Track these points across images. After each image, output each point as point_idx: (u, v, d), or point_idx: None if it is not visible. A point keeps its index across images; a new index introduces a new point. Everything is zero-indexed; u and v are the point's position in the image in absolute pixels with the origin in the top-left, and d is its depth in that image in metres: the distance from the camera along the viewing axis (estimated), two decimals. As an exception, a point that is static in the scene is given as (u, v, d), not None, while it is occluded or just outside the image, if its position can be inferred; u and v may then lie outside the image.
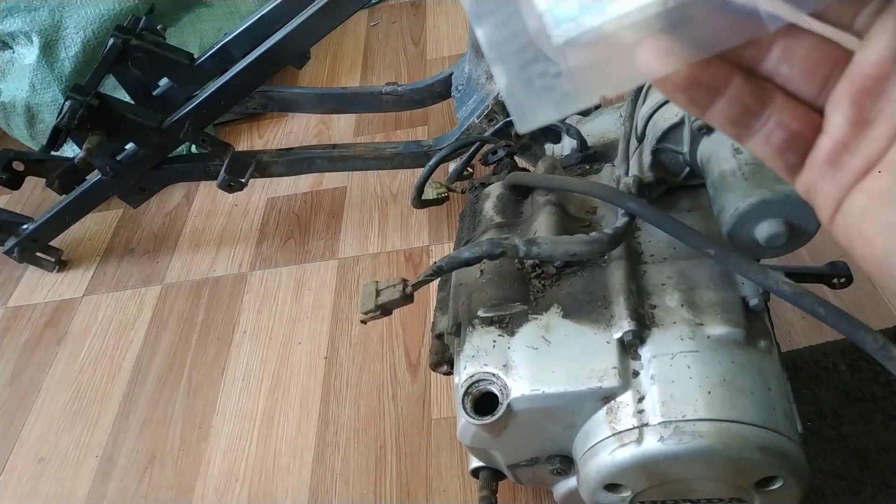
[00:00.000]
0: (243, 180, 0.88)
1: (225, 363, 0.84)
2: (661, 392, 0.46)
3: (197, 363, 0.85)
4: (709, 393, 0.46)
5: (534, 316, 0.55)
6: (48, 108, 1.13)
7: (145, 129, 0.86)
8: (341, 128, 1.16)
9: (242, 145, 1.19)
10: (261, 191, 1.07)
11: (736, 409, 0.45)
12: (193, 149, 1.04)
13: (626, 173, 0.56)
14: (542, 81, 0.23)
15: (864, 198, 0.22)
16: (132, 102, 0.94)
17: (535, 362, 0.51)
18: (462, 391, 0.52)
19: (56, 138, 0.86)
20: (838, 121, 0.22)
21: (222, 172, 0.86)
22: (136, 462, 0.77)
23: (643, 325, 0.49)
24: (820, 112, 0.23)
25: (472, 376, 0.52)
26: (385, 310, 0.57)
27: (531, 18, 0.23)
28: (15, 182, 0.98)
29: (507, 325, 0.55)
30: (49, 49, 1.08)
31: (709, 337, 0.48)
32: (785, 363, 0.51)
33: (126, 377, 0.86)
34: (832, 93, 0.23)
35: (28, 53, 1.09)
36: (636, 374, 0.48)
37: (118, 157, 0.89)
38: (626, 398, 0.48)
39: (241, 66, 0.83)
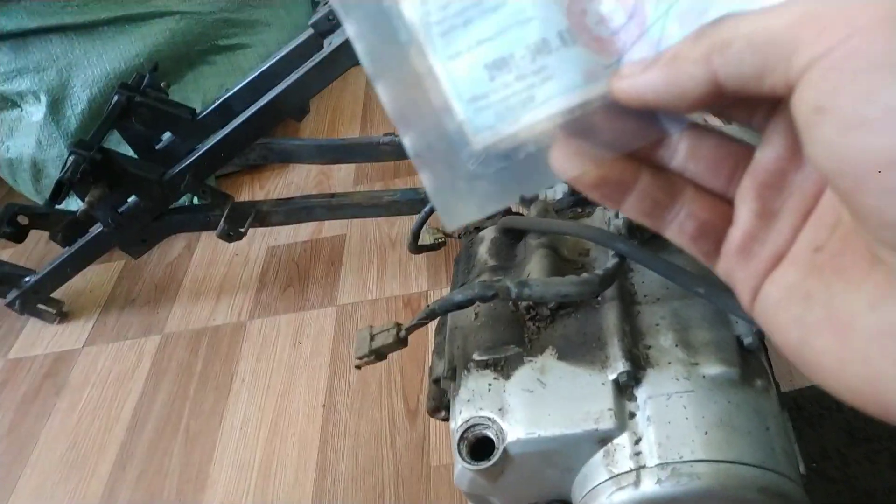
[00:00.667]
0: (242, 230, 0.89)
1: (223, 412, 0.84)
2: (657, 433, 0.46)
3: (195, 413, 0.85)
4: (706, 433, 0.45)
5: (529, 358, 0.55)
6: (53, 163, 1.15)
7: (147, 181, 0.88)
8: (341, 178, 1.18)
9: (244, 196, 1.21)
10: (261, 240, 1.08)
11: (734, 449, 0.45)
12: (195, 200, 1.06)
13: (617, 215, 0.57)
14: (464, 184, 0.25)
15: (774, 290, 0.23)
16: (135, 156, 0.96)
17: (531, 405, 0.50)
18: (458, 436, 0.52)
19: (59, 192, 0.87)
20: (745, 213, 0.23)
21: (222, 222, 0.88)
22: (131, 515, 0.76)
23: (638, 365, 0.49)
24: (731, 203, 0.24)
25: (468, 421, 0.52)
26: (379, 354, 0.57)
27: (452, 127, 0.25)
28: (19, 235, 1.00)
29: (503, 368, 0.55)
30: (56, 107, 1.12)
31: (704, 377, 0.48)
32: (786, 403, 0.50)
33: (123, 428, 0.86)
34: (739, 186, 0.24)
35: (35, 111, 1.12)
36: (632, 415, 0.48)
37: (120, 210, 0.91)
38: (623, 440, 0.47)
39: (241, 120, 0.85)
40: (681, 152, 0.25)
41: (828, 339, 0.20)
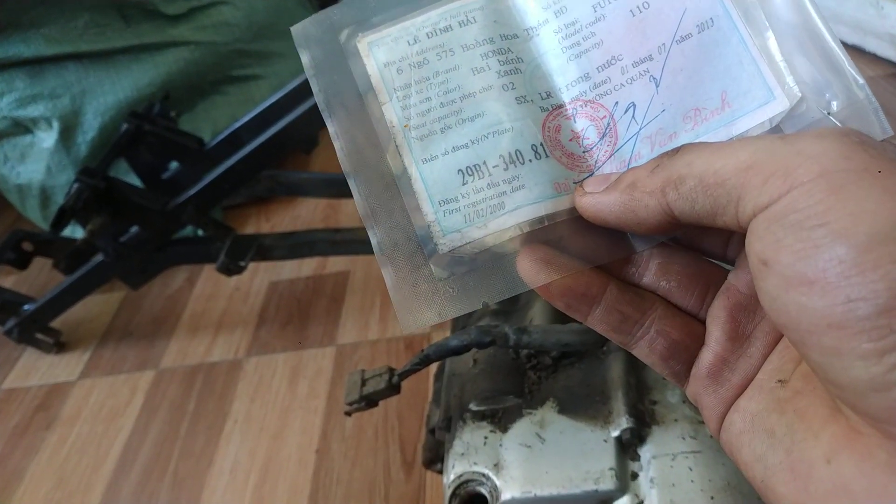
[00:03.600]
0: (243, 264, 0.87)
1: (213, 455, 0.80)
2: (660, 497, 0.43)
3: (184, 454, 0.81)
4: (711, 498, 0.42)
5: (528, 411, 0.51)
6: (62, 190, 1.14)
7: (149, 211, 0.86)
8: (349, 212, 1.16)
9: (250, 228, 1.19)
10: (264, 274, 1.06)
11: (744, 518, 0.41)
12: (200, 231, 1.04)
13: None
14: (427, 286, 0.25)
15: (739, 420, 0.22)
16: (139, 185, 0.95)
17: (528, 462, 0.47)
18: (450, 492, 0.49)
19: (61, 219, 0.86)
20: (717, 335, 0.23)
21: (222, 256, 0.86)
22: (111, 560, 0.73)
23: (643, 422, 0.46)
24: (703, 323, 0.24)
25: (461, 476, 0.49)
26: (370, 401, 0.54)
27: (420, 227, 0.25)
28: (23, 262, 0.99)
29: (500, 420, 0.52)
30: (67, 134, 1.12)
31: (711, 437, 0.44)
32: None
33: (111, 467, 0.83)
34: (711, 307, 0.24)
35: (47, 137, 1.12)
36: (635, 476, 0.45)
37: (121, 239, 0.89)
38: (624, 502, 0.44)
39: (246, 151, 0.84)
40: (652, 269, 0.25)
41: (789, 486, 0.19)
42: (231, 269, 0.86)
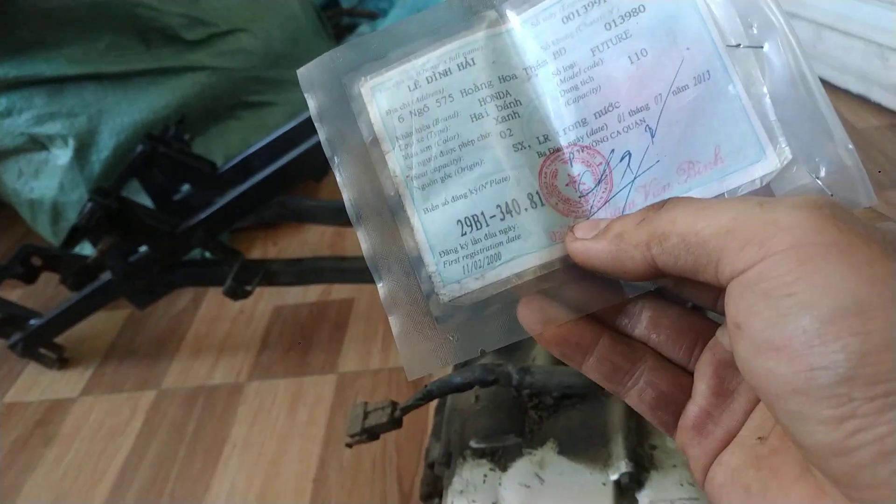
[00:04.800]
0: (249, 288, 0.88)
1: (210, 479, 0.80)
2: (659, 545, 0.43)
3: (182, 477, 0.81)
4: (711, 549, 0.42)
5: (528, 450, 0.52)
6: (73, 207, 1.16)
7: (160, 233, 0.87)
8: (356, 240, 1.16)
9: (257, 252, 1.20)
10: (268, 299, 1.07)
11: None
12: (207, 253, 1.05)
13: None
14: (430, 333, 0.26)
15: (721, 473, 0.23)
16: (150, 206, 0.96)
17: (527, 502, 0.48)
18: (447, 530, 0.49)
19: (73, 237, 0.87)
20: (703, 389, 0.24)
21: (229, 279, 0.87)
22: (103, 583, 0.72)
23: (641, 466, 0.46)
24: (691, 375, 0.25)
25: (459, 514, 0.49)
26: (372, 434, 0.54)
27: (423, 277, 0.26)
28: (31, 276, 0.99)
29: (500, 458, 0.52)
30: (82, 152, 1.13)
31: (711, 486, 0.44)
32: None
33: (108, 486, 0.83)
34: (698, 361, 0.25)
35: (62, 155, 1.14)
36: (633, 522, 0.45)
37: (130, 259, 0.90)
38: (623, 549, 0.44)
39: (259, 178, 0.85)
40: (643, 321, 0.26)
41: None
42: (238, 293, 0.87)
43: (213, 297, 1.10)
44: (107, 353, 1.04)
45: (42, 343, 1.01)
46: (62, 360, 1.04)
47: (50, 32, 1.09)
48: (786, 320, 0.18)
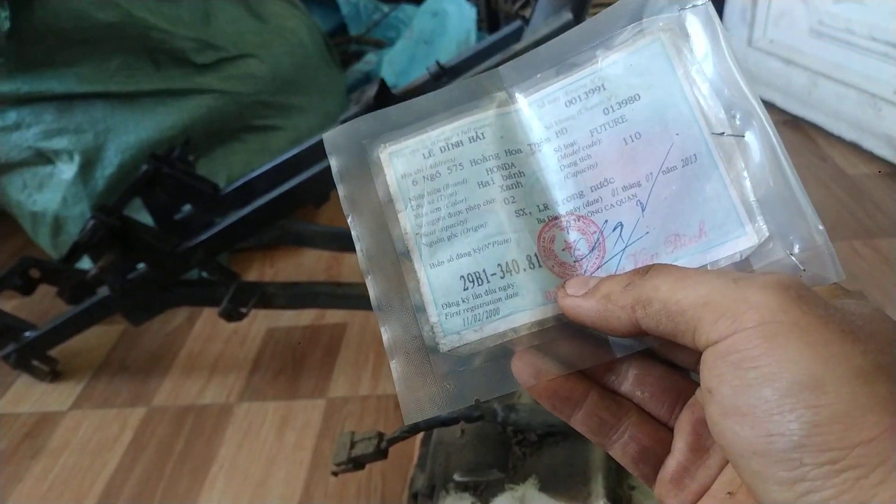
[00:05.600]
0: (244, 310, 0.89)
1: (196, 499, 0.81)
2: (633, 588, 0.44)
3: (167, 495, 0.82)
4: None
5: (510, 486, 0.53)
6: (74, 221, 1.17)
7: (160, 252, 0.89)
8: (352, 265, 1.19)
9: (254, 273, 1.22)
10: (262, 320, 1.08)
11: None
12: (204, 273, 1.07)
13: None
14: (429, 381, 0.27)
15: None
16: (151, 225, 0.98)
17: (507, 538, 0.48)
18: (427, 562, 0.49)
19: (75, 253, 0.89)
20: (681, 445, 0.26)
21: (225, 301, 0.88)
22: None
23: (620, 508, 0.47)
24: (671, 431, 0.27)
25: (439, 546, 0.50)
26: (357, 463, 0.55)
27: (425, 327, 0.28)
28: (28, 288, 1.00)
29: (482, 493, 0.53)
30: (87, 168, 1.15)
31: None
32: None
33: (93, 502, 0.83)
34: (678, 419, 0.26)
35: (67, 170, 1.16)
36: (609, 563, 0.46)
37: (128, 276, 0.92)
38: (598, 590, 0.45)
39: (260, 203, 0.87)
40: (629, 379, 0.27)
41: None
42: (233, 315, 0.88)
43: (208, 316, 1.11)
44: (99, 367, 1.05)
45: (36, 355, 1.02)
46: (55, 373, 1.04)
47: (63, 50, 1.11)
48: (751, 390, 0.20)
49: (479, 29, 1.85)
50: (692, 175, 0.27)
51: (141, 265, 0.92)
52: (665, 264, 0.25)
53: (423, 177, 0.29)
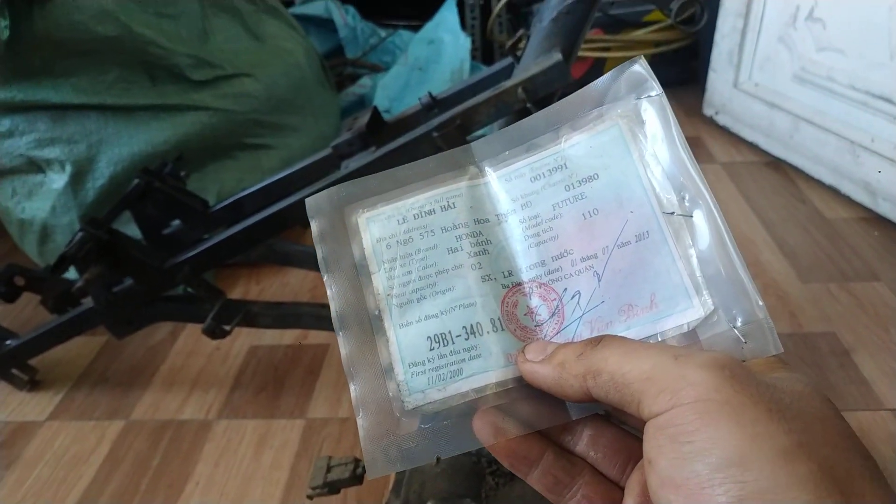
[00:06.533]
0: (228, 328, 0.90)
1: (170, 515, 0.81)
2: None
3: (141, 511, 0.82)
4: None
5: (482, 516, 0.54)
6: (62, 230, 1.18)
7: (147, 267, 0.90)
8: (337, 286, 1.20)
9: (239, 290, 1.22)
10: (245, 338, 1.09)
11: None
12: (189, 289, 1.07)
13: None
14: (393, 438, 0.29)
15: None
16: (139, 239, 0.99)
17: (476, 568, 0.49)
18: (397, 589, 0.50)
19: (61, 265, 0.89)
20: None
21: (209, 318, 0.89)
22: None
23: (588, 544, 0.48)
24: (623, 490, 0.28)
25: (410, 574, 0.50)
26: (333, 488, 0.56)
27: (392, 386, 0.29)
28: (11, 296, 1.00)
29: (454, 521, 0.54)
30: (78, 178, 1.16)
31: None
32: None
33: (66, 515, 0.83)
34: (629, 479, 0.28)
35: (58, 179, 1.16)
36: None
37: (114, 290, 0.92)
38: None
39: (250, 223, 0.88)
40: (584, 439, 0.29)
41: None
42: (216, 332, 0.89)
43: (191, 332, 1.12)
44: (79, 378, 1.05)
45: (15, 364, 1.02)
46: (33, 382, 1.04)
47: (60, 61, 1.12)
48: (685, 463, 0.21)
49: (474, 58, 1.89)
50: (644, 250, 0.29)
51: (127, 279, 0.93)
52: (616, 336, 0.27)
53: (397, 241, 0.31)
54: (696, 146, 1.61)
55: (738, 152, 1.56)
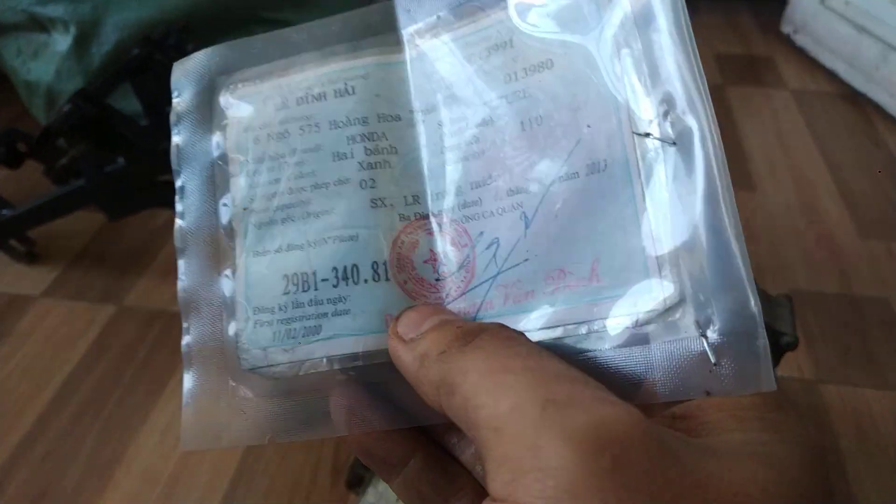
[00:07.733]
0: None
1: (149, 410, 0.79)
2: None
3: (121, 403, 0.80)
4: None
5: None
6: (68, 96, 1.11)
7: (138, 148, 0.83)
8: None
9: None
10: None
11: None
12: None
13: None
14: (223, 404, 0.21)
15: None
16: (138, 115, 0.91)
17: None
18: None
19: (44, 138, 0.83)
20: None
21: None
22: (24, 495, 0.71)
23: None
24: None
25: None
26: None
27: (230, 334, 0.21)
28: (14, 161, 0.96)
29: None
30: (82, 41, 1.07)
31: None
32: None
33: (48, 397, 0.81)
34: None
35: (62, 41, 1.08)
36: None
37: (106, 169, 0.86)
38: None
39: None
40: (472, 449, 0.22)
41: None
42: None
43: (193, 220, 1.06)
44: (77, 256, 1.02)
45: (12, 234, 0.99)
46: (31, 255, 1.01)
47: None
48: None
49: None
50: (596, 189, 0.19)
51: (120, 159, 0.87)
52: (497, 333, 0.18)
53: (269, 134, 0.23)
54: (766, 68, 1.44)
55: (812, 80, 1.39)
